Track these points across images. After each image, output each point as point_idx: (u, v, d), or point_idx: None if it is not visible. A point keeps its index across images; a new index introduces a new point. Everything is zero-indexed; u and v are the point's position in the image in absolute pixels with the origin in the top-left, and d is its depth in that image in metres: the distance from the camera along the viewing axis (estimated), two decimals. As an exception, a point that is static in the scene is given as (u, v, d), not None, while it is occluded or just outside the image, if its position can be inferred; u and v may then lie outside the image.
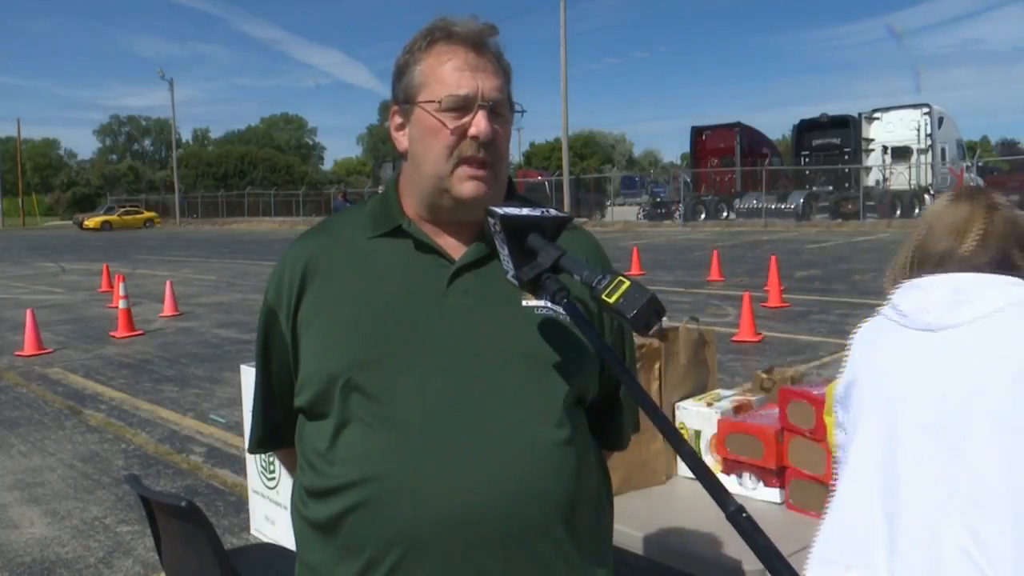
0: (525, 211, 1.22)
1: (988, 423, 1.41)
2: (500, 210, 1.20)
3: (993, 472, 1.39)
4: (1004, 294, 1.48)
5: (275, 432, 1.47)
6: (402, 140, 1.37)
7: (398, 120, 1.37)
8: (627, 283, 1.10)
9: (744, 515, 0.91)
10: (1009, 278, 1.51)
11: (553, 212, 1.25)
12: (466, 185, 1.29)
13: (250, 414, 1.54)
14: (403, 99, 1.34)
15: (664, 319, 2.94)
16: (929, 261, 1.60)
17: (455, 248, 1.34)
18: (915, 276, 1.60)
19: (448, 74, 1.28)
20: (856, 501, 1.55)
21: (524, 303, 1.30)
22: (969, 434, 1.42)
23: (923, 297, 1.55)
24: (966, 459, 1.41)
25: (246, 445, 1.57)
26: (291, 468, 1.48)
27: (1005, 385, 1.41)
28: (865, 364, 1.61)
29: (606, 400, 1.43)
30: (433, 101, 1.29)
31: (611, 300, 1.09)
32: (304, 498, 1.33)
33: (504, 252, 1.21)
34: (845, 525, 1.55)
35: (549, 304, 1.25)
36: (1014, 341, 1.43)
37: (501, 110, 1.31)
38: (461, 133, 1.28)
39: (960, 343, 1.48)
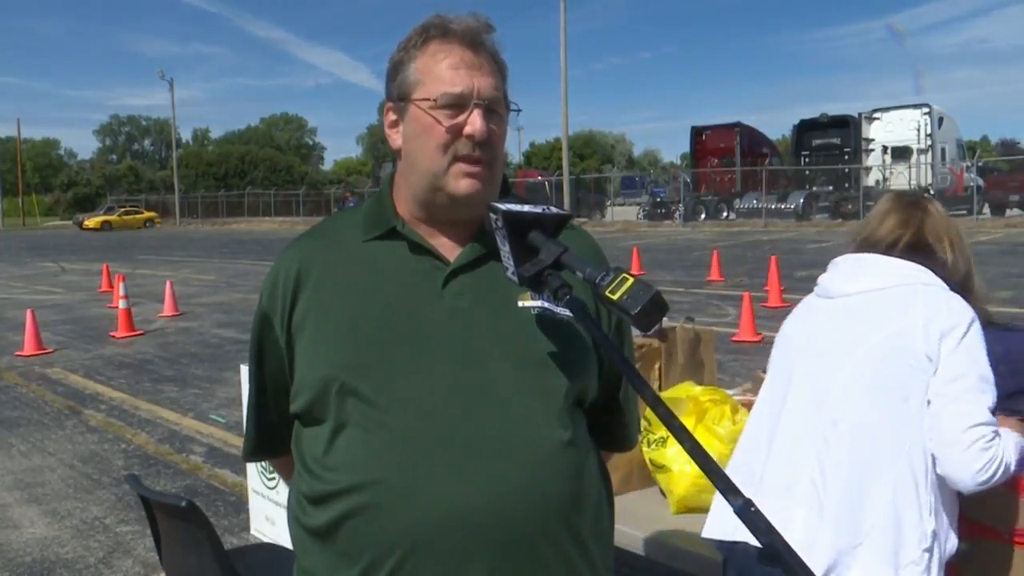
0: (527, 207, 1.21)
1: (850, 378, 1.71)
2: (503, 206, 1.19)
3: (845, 418, 1.68)
4: (895, 273, 1.77)
5: (270, 439, 1.46)
6: (396, 138, 1.35)
7: (392, 117, 1.36)
8: (631, 280, 1.09)
9: (752, 509, 0.89)
10: (909, 263, 1.79)
11: (554, 209, 1.24)
12: (461, 182, 1.28)
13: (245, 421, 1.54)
14: (398, 96, 1.33)
15: (664, 319, 2.94)
16: (875, 249, 1.88)
17: (450, 249, 1.33)
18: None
19: (443, 72, 1.27)
20: (752, 434, 1.90)
21: (520, 303, 1.29)
22: (833, 385, 1.72)
23: (834, 271, 1.89)
24: (827, 405, 1.71)
25: (242, 452, 1.56)
26: (287, 476, 1.47)
27: (868, 350, 1.70)
28: (783, 329, 1.99)
29: (606, 401, 1.43)
30: (428, 99, 1.27)
31: (615, 297, 1.08)
32: (302, 504, 1.32)
33: (505, 249, 1.20)
34: (742, 452, 1.91)
35: (546, 304, 1.24)
36: (887, 315, 1.71)
37: (497, 108, 1.30)
38: (456, 131, 1.27)
39: (848, 309, 1.79)
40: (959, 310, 1.69)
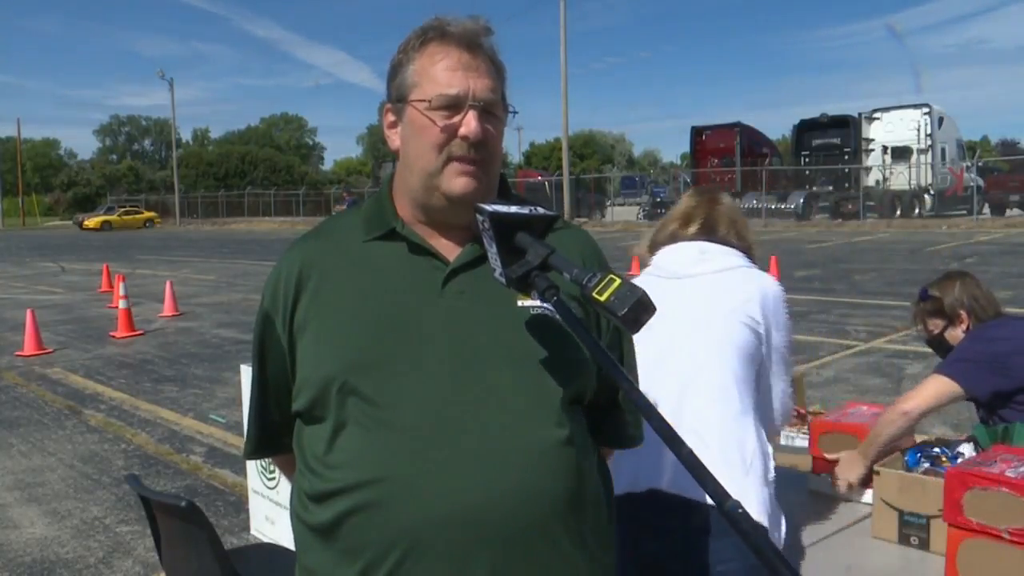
0: (514, 208, 1.22)
1: (713, 343, 2.04)
2: (489, 207, 1.20)
3: (712, 375, 2.02)
4: (734, 259, 2.16)
5: (272, 438, 1.47)
6: (394, 139, 1.37)
7: (391, 118, 1.37)
8: (618, 281, 1.10)
9: (740, 511, 0.91)
10: (734, 250, 2.17)
11: (541, 210, 1.25)
12: (456, 181, 1.29)
13: (246, 420, 1.54)
14: (396, 98, 1.35)
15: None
16: (665, 239, 2.26)
17: (449, 249, 1.34)
18: (657, 249, 2.27)
19: (440, 74, 1.28)
20: None
21: (520, 303, 1.29)
22: (700, 349, 2.04)
23: (675, 254, 2.21)
24: (697, 365, 2.03)
25: (243, 450, 1.56)
26: (289, 474, 1.48)
27: (722, 316, 2.06)
28: None
29: (606, 400, 1.43)
30: (424, 100, 1.29)
31: (602, 298, 1.09)
32: (304, 502, 1.33)
33: (492, 250, 1.20)
34: None
35: (546, 304, 1.24)
36: (733, 289, 2.10)
37: (493, 110, 1.31)
38: (451, 132, 1.28)
39: (698, 287, 2.12)
40: (775, 285, 2.15)
